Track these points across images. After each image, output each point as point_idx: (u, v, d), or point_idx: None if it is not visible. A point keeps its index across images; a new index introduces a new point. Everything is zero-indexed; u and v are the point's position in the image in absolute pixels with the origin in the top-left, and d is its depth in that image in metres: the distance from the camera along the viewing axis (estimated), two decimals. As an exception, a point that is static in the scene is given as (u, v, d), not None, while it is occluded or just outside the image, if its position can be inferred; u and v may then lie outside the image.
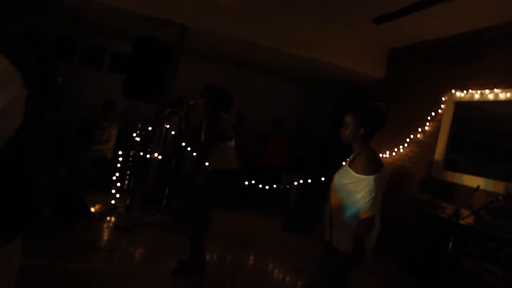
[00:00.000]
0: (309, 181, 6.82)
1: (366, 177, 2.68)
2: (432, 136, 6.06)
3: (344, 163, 3.02)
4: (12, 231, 1.18)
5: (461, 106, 5.69)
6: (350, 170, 2.79)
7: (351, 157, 2.94)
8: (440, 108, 5.96)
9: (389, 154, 6.71)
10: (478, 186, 4.00)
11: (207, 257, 4.47)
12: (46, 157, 1.24)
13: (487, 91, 5.24)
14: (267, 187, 6.85)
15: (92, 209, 5.62)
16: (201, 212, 4.26)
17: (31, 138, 1.16)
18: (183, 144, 6.11)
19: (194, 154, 6.04)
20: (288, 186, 7.48)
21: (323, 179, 6.49)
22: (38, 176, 1.21)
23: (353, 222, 2.71)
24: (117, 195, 5.98)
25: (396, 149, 6.60)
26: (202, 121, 4.40)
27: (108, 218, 5.60)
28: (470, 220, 4.18)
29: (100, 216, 5.59)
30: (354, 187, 2.73)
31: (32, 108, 1.12)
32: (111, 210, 5.81)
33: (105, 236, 5.13)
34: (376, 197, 2.68)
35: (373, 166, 2.72)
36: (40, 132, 1.20)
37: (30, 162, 1.19)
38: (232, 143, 4.33)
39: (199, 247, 4.26)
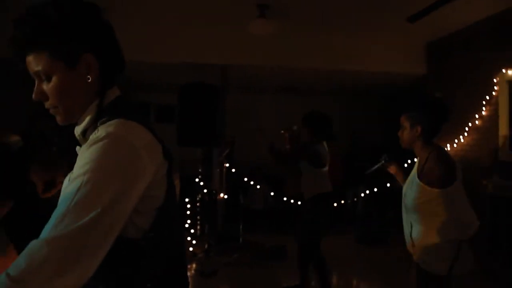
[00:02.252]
0: (375, 190, 6.75)
1: (439, 191, 2.36)
2: (491, 120, 5.91)
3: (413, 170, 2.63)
4: None
5: (516, 84, 5.55)
6: (421, 184, 2.42)
7: (417, 163, 2.59)
8: (494, 90, 5.83)
9: (449, 146, 6.58)
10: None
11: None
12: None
13: (541, 63, 5.10)
14: (335, 204, 6.82)
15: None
16: (309, 242, 4.27)
17: (173, 205, 1.24)
18: (246, 179, 6.21)
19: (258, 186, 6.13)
20: (355, 199, 7.43)
21: (388, 185, 6.43)
22: (183, 239, 1.31)
23: (442, 243, 2.41)
24: (193, 242, 6.10)
25: (456, 140, 6.47)
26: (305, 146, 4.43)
27: (188, 266, 5.71)
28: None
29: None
30: (431, 207, 2.40)
31: (171, 178, 1.21)
32: (190, 258, 5.93)
33: (193, 285, 5.23)
34: (456, 213, 2.40)
35: (445, 177, 2.39)
36: (176, 198, 1.30)
37: (176, 227, 1.29)
38: (326, 169, 4.38)
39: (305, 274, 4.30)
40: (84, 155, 1.05)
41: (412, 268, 2.66)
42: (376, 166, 2.98)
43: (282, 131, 4.60)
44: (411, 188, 2.50)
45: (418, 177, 2.45)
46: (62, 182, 3.64)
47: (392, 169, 2.92)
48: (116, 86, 1.26)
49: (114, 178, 1.02)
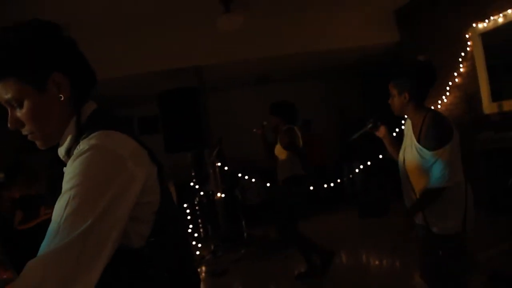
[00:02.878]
0: (369, 163, 6.79)
1: (441, 150, 2.38)
2: (470, 76, 5.96)
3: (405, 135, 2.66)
4: None
5: (488, 36, 5.60)
6: (421, 147, 2.45)
7: (408, 129, 2.62)
8: (468, 46, 5.87)
9: (434, 108, 6.61)
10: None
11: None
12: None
13: (509, 11, 5.14)
14: (332, 184, 6.86)
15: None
16: (287, 225, 4.44)
17: (171, 207, 1.24)
18: (240, 174, 6.21)
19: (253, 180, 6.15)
20: (351, 176, 7.48)
21: (380, 156, 6.48)
22: (188, 239, 1.32)
23: (445, 197, 2.43)
24: (199, 245, 6.10)
25: (439, 101, 6.52)
26: (276, 137, 4.71)
27: (198, 270, 5.71)
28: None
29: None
30: (432, 167, 2.42)
31: (164, 181, 1.20)
32: (198, 261, 5.93)
33: (206, 287, 5.24)
34: (453, 166, 2.40)
35: (444, 136, 2.40)
36: (172, 200, 1.30)
37: (178, 227, 1.29)
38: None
39: (311, 250, 4.50)
40: (69, 170, 1.04)
41: (413, 235, 2.65)
42: (361, 131, 2.94)
43: (254, 130, 4.87)
44: (411, 152, 2.53)
45: (418, 141, 2.48)
46: (45, 215, 3.58)
47: (380, 132, 2.87)
48: (92, 100, 1.25)
49: (102, 189, 1.00)
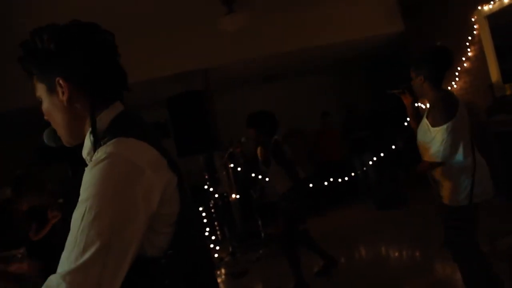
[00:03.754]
0: (382, 154, 6.73)
1: (440, 128, 2.63)
2: (479, 59, 5.89)
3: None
4: None
5: (494, 18, 5.53)
6: (428, 124, 2.72)
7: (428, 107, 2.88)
8: (474, 29, 5.81)
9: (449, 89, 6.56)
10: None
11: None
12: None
13: (514, -9, 5.08)
14: (346, 178, 6.83)
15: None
16: (289, 230, 4.37)
17: (191, 217, 1.20)
18: (253, 174, 6.20)
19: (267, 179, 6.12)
20: (364, 168, 7.43)
21: (393, 147, 6.44)
22: (205, 240, 1.30)
23: (452, 171, 2.70)
24: (217, 247, 6.11)
25: (449, 87, 6.45)
26: (256, 149, 4.52)
27: (218, 272, 5.72)
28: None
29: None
30: (432, 142, 2.69)
31: (184, 191, 1.16)
32: (217, 263, 5.94)
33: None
34: (453, 143, 2.63)
35: (445, 114, 2.63)
36: (194, 209, 1.28)
37: (197, 238, 1.25)
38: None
39: (294, 267, 4.36)
40: (86, 179, 1.03)
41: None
42: (396, 90, 3.13)
43: (231, 149, 4.87)
44: (422, 128, 2.81)
45: (427, 117, 2.75)
46: (53, 217, 3.64)
47: (407, 99, 3.09)
48: (118, 102, 1.24)
49: (118, 201, 0.99)
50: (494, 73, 5.64)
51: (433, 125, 2.67)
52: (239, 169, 6.39)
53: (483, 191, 2.72)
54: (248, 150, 4.62)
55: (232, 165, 6.41)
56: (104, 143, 1.10)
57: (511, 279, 3.27)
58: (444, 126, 2.61)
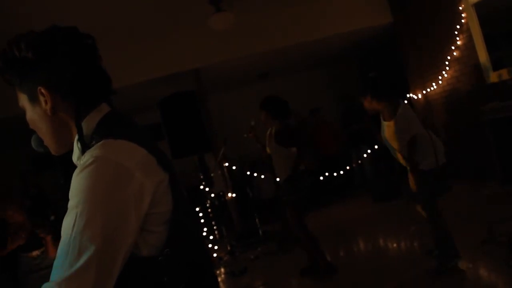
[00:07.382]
0: (376, 147, 6.75)
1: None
2: (468, 48, 5.91)
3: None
4: None
5: (481, 6, 5.55)
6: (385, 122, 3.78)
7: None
8: (462, 18, 5.82)
9: (435, 85, 6.58)
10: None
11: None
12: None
13: (500, -22, 5.09)
14: (342, 172, 6.83)
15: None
16: (299, 220, 4.36)
17: (185, 214, 1.19)
18: (249, 172, 6.20)
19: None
20: (360, 161, 7.44)
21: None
22: (203, 241, 1.29)
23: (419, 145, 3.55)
24: (215, 247, 6.10)
25: (440, 77, 6.47)
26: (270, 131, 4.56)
27: (217, 271, 5.71)
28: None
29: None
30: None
31: (177, 188, 1.15)
32: (217, 263, 5.93)
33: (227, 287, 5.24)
34: (409, 125, 3.55)
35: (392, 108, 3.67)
36: (189, 207, 1.25)
37: (194, 235, 1.24)
38: (294, 149, 4.43)
39: (316, 252, 4.38)
40: (74, 184, 1.02)
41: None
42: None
43: (245, 135, 4.80)
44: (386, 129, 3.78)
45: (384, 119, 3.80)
46: (44, 237, 3.55)
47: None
48: (104, 104, 1.21)
49: (109, 206, 0.98)
50: (484, 61, 5.66)
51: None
52: (234, 167, 6.39)
53: (442, 155, 3.64)
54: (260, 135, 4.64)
55: (227, 164, 6.40)
56: (91, 146, 1.09)
57: (509, 265, 3.29)
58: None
